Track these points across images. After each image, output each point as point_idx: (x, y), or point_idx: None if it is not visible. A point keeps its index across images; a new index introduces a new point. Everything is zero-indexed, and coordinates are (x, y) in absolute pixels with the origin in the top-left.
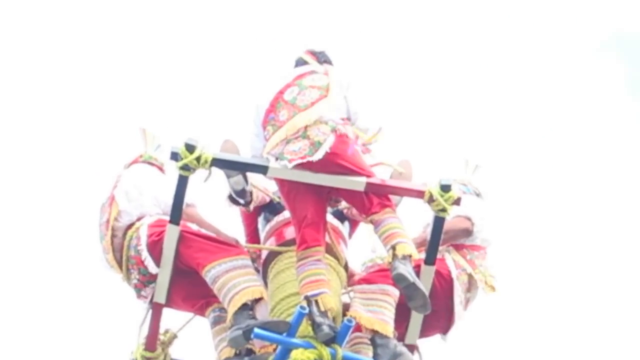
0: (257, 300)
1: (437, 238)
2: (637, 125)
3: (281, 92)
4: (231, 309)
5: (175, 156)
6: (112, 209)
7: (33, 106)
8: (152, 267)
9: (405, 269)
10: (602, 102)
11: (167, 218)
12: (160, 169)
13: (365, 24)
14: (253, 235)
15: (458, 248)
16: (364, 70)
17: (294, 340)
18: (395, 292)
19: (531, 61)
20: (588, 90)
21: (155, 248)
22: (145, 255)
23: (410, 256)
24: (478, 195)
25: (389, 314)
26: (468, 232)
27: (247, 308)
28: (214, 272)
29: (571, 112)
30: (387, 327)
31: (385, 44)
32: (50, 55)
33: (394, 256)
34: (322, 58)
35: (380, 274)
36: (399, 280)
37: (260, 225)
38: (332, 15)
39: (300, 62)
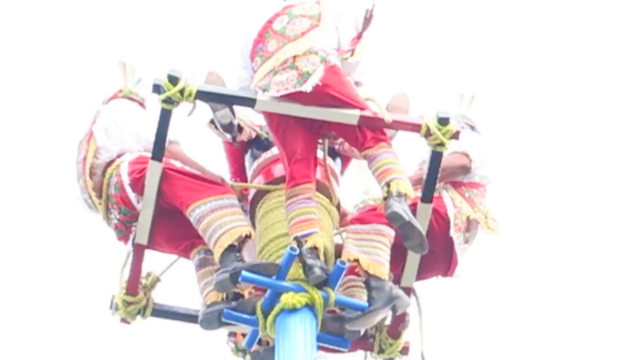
0: (245, 242)
1: (434, 174)
2: None
3: (270, 22)
4: (217, 251)
5: (157, 89)
6: (90, 146)
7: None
8: (136, 205)
9: (401, 207)
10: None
11: (149, 155)
12: (141, 104)
13: None
14: (239, 173)
15: (456, 185)
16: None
17: (284, 283)
18: (391, 232)
19: None
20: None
21: (137, 186)
22: (129, 192)
23: (405, 195)
24: (473, 128)
25: (384, 255)
26: (466, 169)
27: (234, 250)
28: (198, 211)
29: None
30: (382, 268)
31: None
32: None
33: (389, 193)
34: None
35: (374, 213)
36: (393, 219)
37: (247, 163)
38: None
39: None
